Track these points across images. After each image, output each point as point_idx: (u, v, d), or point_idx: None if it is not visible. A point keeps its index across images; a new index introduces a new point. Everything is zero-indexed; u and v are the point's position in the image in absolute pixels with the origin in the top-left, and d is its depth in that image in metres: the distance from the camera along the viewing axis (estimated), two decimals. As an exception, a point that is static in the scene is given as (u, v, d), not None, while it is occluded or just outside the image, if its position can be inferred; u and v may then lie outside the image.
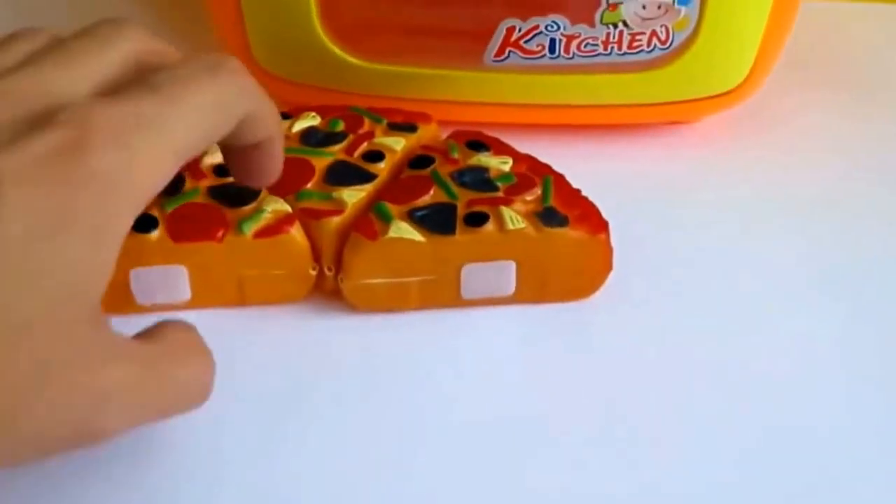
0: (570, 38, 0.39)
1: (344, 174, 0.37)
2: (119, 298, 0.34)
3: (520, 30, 0.39)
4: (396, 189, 0.36)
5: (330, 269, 0.35)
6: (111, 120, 0.25)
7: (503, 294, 0.35)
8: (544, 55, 0.40)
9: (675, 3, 0.39)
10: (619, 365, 0.34)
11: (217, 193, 0.35)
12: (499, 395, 0.33)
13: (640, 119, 0.43)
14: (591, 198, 0.36)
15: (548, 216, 0.35)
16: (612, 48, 0.40)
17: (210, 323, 0.33)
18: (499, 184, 0.36)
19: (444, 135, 0.40)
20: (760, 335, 0.35)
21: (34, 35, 0.29)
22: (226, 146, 0.32)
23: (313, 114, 0.40)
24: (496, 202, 0.35)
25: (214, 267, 0.35)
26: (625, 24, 0.39)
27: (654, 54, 0.40)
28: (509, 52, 0.40)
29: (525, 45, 0.40)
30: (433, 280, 0.35)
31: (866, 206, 0.42)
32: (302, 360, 0.34)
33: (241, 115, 0.30)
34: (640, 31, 0.39)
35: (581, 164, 0.41)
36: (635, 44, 0.40)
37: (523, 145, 0.39)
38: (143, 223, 0.34)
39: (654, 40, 0.40)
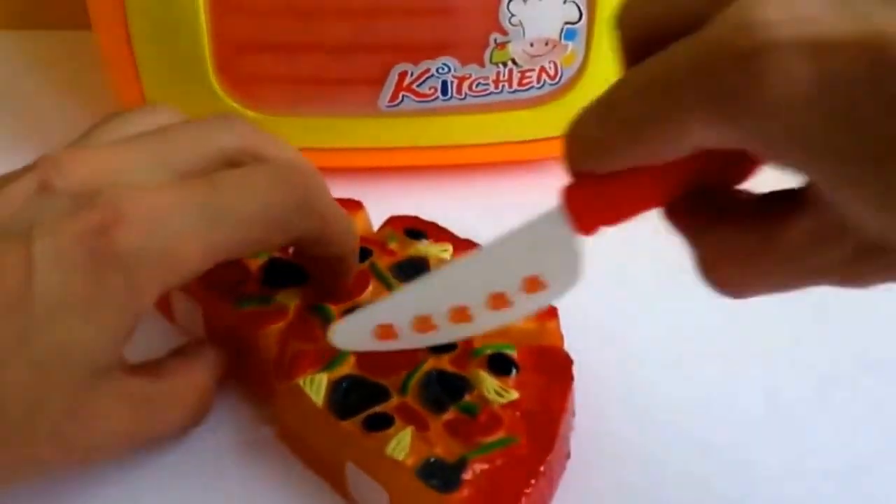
0: (461, 80, 0.40)
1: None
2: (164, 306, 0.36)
3: (412, 74, 0.40)
4: None
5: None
6: (144, 207, 0.27)
7: None
8: (437, 97, 0.40)
9: (562, 39, 0.40)
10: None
11: (271, 266, 0.34)
12: None
13: (536, 154, 0.44)
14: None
15: None
16: (503, 86, 0.40)
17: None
18: None
19: (377, 223, 0.37)
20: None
21: (146, 115, 0.30)
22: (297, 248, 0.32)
23: None
24: None
25: (215, 325, 0.34)
26: (514, 62, 0.40)
27: (544, 90, 0.41)
28: (403, 96, 0.40)
29: (418, 89, 0.40)
30: None
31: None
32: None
33: (296, 234, 0.30)
34: (529, 68, 0.40)
35: (482, 202, 0.42)
36: (525, 81, 0.40)
37: (423, 188, 0.39)
38: None
39: (544, 76, 0.40)
